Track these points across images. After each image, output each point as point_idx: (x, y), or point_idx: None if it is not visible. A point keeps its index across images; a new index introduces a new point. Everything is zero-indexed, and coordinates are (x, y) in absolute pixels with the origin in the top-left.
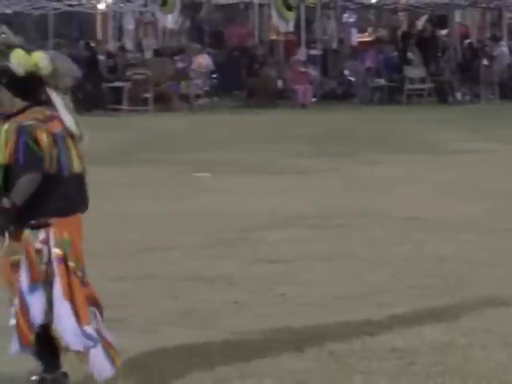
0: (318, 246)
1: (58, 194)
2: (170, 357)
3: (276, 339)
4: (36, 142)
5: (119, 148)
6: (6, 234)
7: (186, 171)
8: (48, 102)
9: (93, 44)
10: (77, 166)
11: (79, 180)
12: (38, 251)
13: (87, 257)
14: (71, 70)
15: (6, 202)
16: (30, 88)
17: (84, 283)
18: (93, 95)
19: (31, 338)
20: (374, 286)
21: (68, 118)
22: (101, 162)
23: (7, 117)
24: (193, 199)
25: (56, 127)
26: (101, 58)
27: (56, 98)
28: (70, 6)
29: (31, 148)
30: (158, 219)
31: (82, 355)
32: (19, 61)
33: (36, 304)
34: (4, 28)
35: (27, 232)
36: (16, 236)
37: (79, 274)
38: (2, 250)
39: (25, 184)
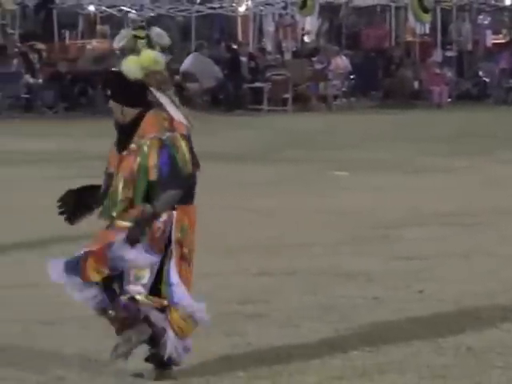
0: (455, 244)
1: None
2: (310, 351)
3: (414, 335)
4: (178, 153)
5: (259, 147)
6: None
7: (324, 169)
8: (155, 103)
9: (234, 46)
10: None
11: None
12: (157, 229)
13: (230, 253)
14: (213, 72)
15: (148, 208)
16: (136, 94)
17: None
18: (234, 95)
19: None
20: (509, 282)
21: (177, 114)
22: (242, 160)
23: (121, 127)
24: (331, 197)
25: (182, 129)
26: (243, 59)
27: (161, 97)
28: (212, 8)
29: (176, 164)
30: (298, 216)
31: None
32: (129, 67)
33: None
34: (157, 30)
35: None
36: None
37: (189, 261)
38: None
39: (170, 199)
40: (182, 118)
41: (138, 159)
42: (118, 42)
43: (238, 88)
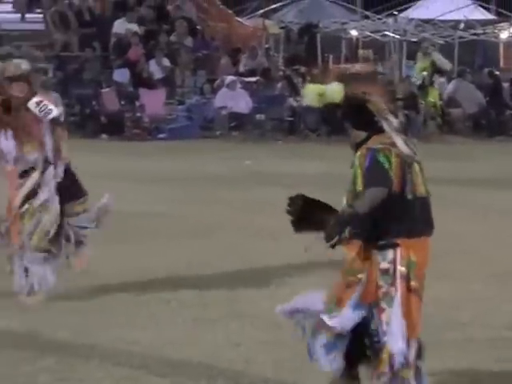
0: None
1: (404, 216)
2: None
3: None
4: (386, 157)
5: None
6: (334, 241)
7: None
8: (384, 130)
9: (496, 72)
10: (422, 190)
11: (425, 204)
12: (385, 271)
13: (496, 278)
14: (476, 97)
15: (346, 209)
16: (362, 118)
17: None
18: (496, 121)
19: None
20: None
21: (399, 141)
22: (503, 186)
23: (353, 148)
24: None
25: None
26: (504, 85)
27: (384, 123)
28: (474, 34)
29: (380, 163)
30: None
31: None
32: (308, 93)
33: (350, 320)
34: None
35: (375, 253)
36: (362, 254)
37: (420, 294)
38: (344, 269)
39: (370, 196)
40: (402, 144)
41: (352, 171)
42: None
43: (500, 114)
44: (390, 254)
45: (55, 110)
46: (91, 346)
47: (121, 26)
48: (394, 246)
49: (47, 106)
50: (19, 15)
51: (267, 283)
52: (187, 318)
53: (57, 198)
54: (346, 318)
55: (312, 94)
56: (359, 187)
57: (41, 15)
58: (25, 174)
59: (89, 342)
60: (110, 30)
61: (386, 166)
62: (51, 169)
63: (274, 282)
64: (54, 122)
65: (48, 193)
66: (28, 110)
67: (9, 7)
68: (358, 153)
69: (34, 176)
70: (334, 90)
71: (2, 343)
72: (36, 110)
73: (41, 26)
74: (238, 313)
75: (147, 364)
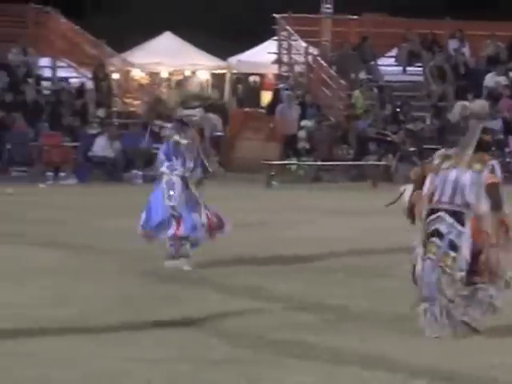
0: None
1: None
2: None
3: None
4: None
5: None
6: None
7: None
8: None
9: None
10: None
11: None
12: None
13: None
14: None
15: None
16: None
17: None
18: None
19: None
20: None
21: None
22: None
23: None
24: None
25: None
26: None
27: None
28: None
29: None
30: None
31: None
32: None
33: None
34: None
35: None
36: None
37: None
38: None
39: None
40: None
41: None
42: None
43: None
44: None
45: None
46: (452, 372)
47: (491, 79)
48: None
49: None
50: (401, 68)
51: None
52: None
53: None
54: None
55: None
56: None
57: (420, 68)
58: None
59: (450, 369)
60: (482, 82)
61: None
62: None
63: None
64: None
65: None
66: None
67: (392, 61)
68: None
69: None
70: None
71: (373, 365)
72: None
73: (420, 78)
74: None
75: None
